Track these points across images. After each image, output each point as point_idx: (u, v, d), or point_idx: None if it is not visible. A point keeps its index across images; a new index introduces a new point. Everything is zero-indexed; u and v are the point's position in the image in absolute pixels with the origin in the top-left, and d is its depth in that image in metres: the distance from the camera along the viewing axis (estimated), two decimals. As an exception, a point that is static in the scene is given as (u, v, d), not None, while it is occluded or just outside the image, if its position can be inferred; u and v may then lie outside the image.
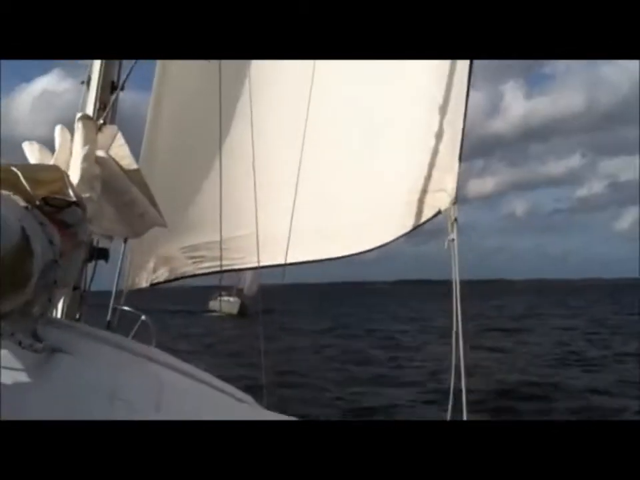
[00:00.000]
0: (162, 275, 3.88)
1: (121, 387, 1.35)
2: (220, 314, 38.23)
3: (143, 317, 3.53)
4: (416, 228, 3.07)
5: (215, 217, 3.45)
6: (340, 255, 3.46)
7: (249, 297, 32.58)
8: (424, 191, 2.97)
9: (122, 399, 1.27)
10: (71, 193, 1.64)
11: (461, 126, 2.76)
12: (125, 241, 3.54)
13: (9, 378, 1.22)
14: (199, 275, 3.97)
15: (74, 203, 1.63)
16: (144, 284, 3.84)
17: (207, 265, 3.89)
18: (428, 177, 2.95)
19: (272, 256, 3.50)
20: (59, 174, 1.70)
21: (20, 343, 1.25)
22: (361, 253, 3.37)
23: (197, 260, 3.88)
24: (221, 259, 3.64)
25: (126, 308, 3.55)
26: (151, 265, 3.84)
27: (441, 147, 2.89)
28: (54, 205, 1.55)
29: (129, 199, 2.39)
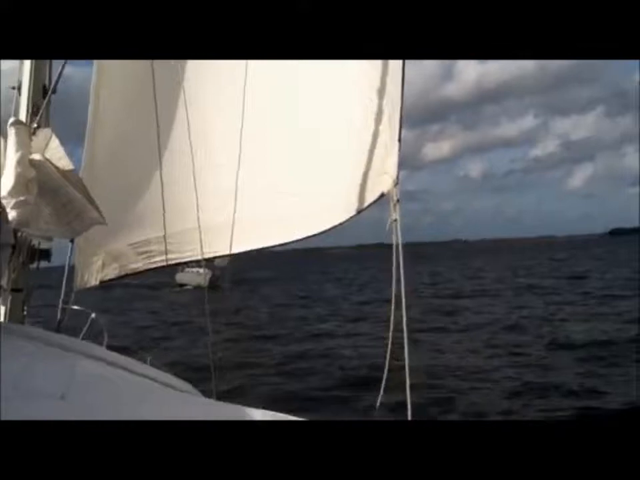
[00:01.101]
0: (111, 272, 3.89)
1: (27, 375, 1.42)
2: (188, 287, 33.67)
3: (93, 315, 3.57)
4: (360, 212, 3.13)
5: (161, 212, 3.48)
6: (289, 240, 3.52)
7: (220, 268, 29.83)
8: (366, 175, 2.99)
9: (26, 386, 1.34)
10: None
11: (399, 105, 2.75)
12: (72, 240, 3.56)
13: None
14: (150, 269, 3.99)
15: None
16: (93, 282, 3.85)
17: (157, 259, 3.91)
18: (369, 161, 2.96)
19: (221, 246, 3.56)
20: None
21: None
22: (306, 237, 3.41)
23: (147, 255, 3.90)
24: (166, 252, 3.69)
25: (75, 307, 3.58)
26: (100, 262, 3.85)
27: (381, 129, 2.89)
28: None
29: (66, 200, 2.42)
